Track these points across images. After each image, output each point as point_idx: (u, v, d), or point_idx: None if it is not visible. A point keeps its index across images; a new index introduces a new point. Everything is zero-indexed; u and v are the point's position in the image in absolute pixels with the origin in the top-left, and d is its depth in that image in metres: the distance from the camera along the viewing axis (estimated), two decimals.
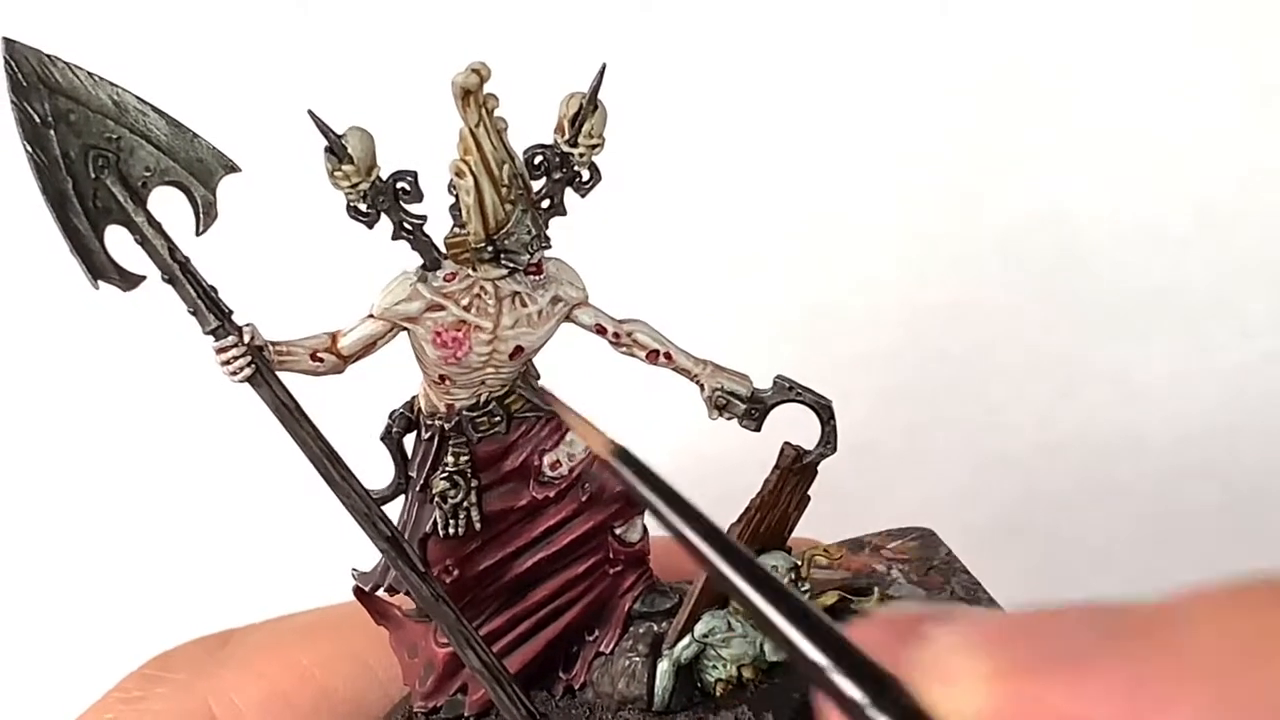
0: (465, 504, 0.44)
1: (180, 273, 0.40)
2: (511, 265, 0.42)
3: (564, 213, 0.43)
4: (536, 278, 0.42)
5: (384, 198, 0.41)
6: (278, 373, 0.41)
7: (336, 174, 0.41)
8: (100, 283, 0.39)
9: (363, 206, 0.41)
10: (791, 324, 0.71)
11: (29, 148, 0.38)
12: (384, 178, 0.42)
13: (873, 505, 0.71)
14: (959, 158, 0.70)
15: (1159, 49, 0.69)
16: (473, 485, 0.44)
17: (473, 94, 0.40)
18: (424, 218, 0.42)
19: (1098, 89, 0.70)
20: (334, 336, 0.42)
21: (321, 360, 0.42)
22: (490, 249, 0.41)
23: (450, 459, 0.44)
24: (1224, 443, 0.69)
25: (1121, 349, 0.69)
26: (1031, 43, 0.70)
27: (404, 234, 0.41)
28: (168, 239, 0.40)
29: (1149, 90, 0.70)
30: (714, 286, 0.70)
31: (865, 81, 0.70)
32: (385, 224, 0.42)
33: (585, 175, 0.43)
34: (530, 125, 0.70)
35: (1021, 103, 0.70)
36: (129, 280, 0.40)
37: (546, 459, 0.45)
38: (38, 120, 0.38)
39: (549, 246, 0.42)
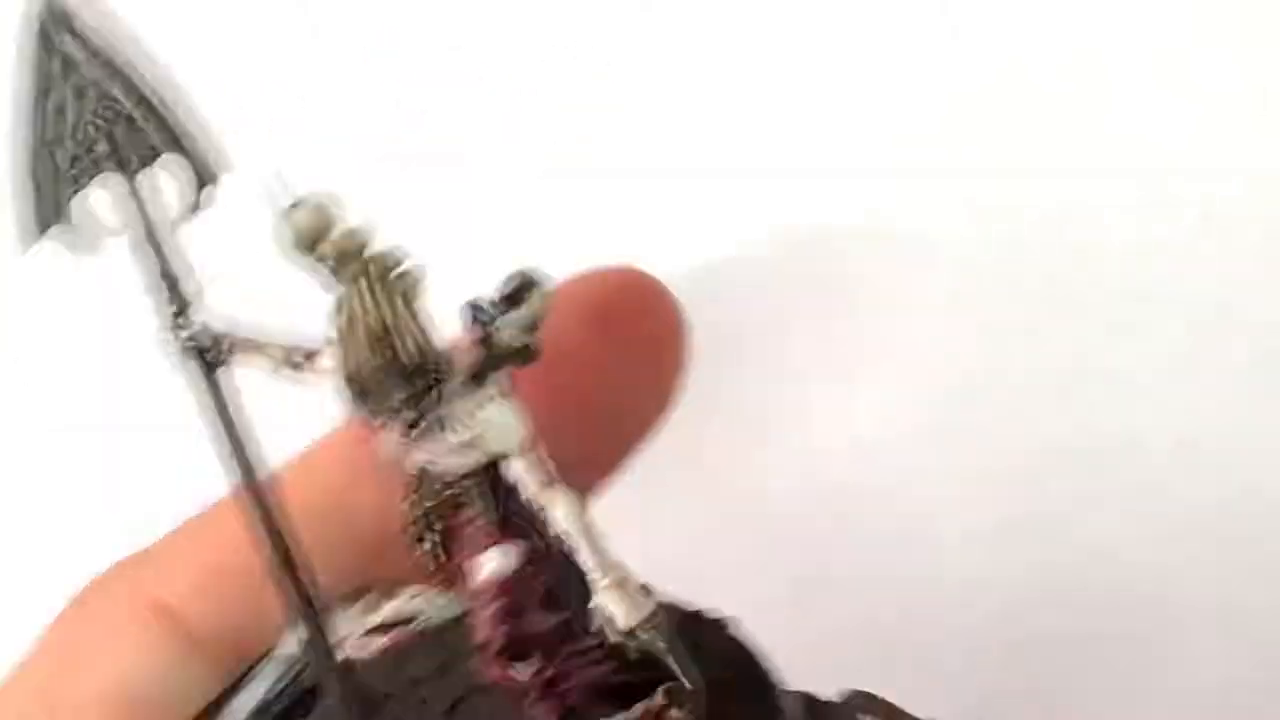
0: None
1: (149, 246, 0.39)
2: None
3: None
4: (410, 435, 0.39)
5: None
6: (240, 365, 0.41)
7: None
8: (40, 241, 0.38)
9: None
10: None
11: (32, 80, 0.36)
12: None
13: (873, 509, 0.71)
14: (959, 160, 0.70)
15: (1160, 50, 0.69)
16: None
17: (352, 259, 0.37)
18: None
19: (1098, 90, 0.70)
20: (311, 355, 0.41)
21: (295, 368, 0.41)
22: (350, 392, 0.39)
23: None
24: (1225, 444, 0.69)
25: (1122, 351, 0.69)
26: (1031, 44, 0.70)
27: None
28: (145, 213, 0.39)
29: (1150, 91, 0.70)
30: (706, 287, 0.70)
31: (864, 82, 0.70)
32: None
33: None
34: (528, 127, 0.71)
35: (1021, 104, 0.70)
36: (83, 238, 0.39)
37: None
38: (59, 61, 0.37)
39: (422, 421, 0.38)
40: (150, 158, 0.38)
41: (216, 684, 0.50)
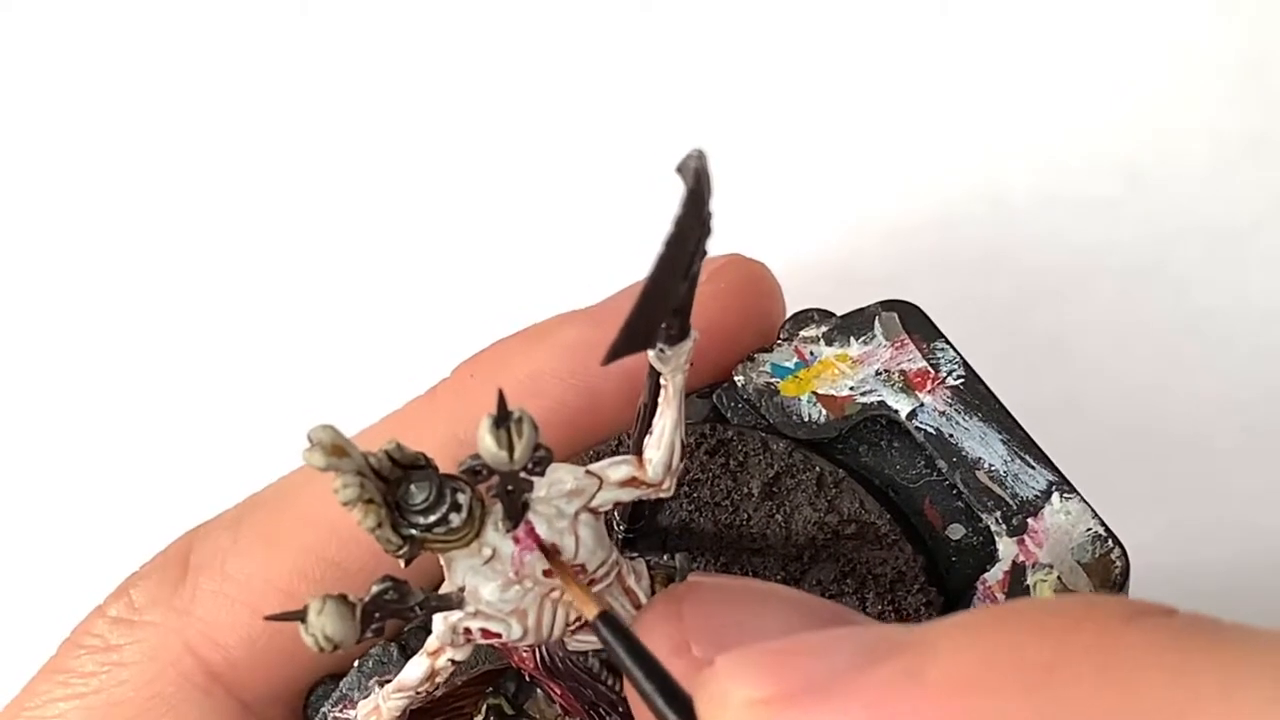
0: None
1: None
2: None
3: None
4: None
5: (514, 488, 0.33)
6: None
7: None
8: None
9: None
10: None
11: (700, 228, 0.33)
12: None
13: None
14: (890, 127, 0.72)
15: (1084, 8, 0.71)
16: None
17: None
18: (531, 485, 0.34)
19: (1022, 49, 0.71)
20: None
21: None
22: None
23: None
24: (1159, 402, 0.70)
25: (1055, 312, 0.70)
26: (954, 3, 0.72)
27: (504, 493, 0.33)
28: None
29: (1075, 50, 0.71)
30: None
31: (820, 65, 0.72)
32: None
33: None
34: (524, 123, 0.71)
35: (949, 64, 0.72)
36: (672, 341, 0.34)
37: None
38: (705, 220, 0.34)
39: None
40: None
41: None
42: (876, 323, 0.49)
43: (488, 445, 0.31)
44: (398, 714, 0.38)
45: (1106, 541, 0.46)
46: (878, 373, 0.48)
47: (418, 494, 0.32)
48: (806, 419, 0.48)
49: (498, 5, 0.71)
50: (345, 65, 0.72)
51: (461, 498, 0.33)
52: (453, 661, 0.36)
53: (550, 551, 0.34)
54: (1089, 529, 0.46)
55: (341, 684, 0.47)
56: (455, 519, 0.33)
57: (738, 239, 0.63)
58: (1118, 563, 0.45)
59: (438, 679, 0.37)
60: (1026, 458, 0.47)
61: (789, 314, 0.51)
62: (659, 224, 0.63)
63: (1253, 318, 0.69)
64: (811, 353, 0.49)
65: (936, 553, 0.46)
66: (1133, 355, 0.70)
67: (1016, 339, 0.71)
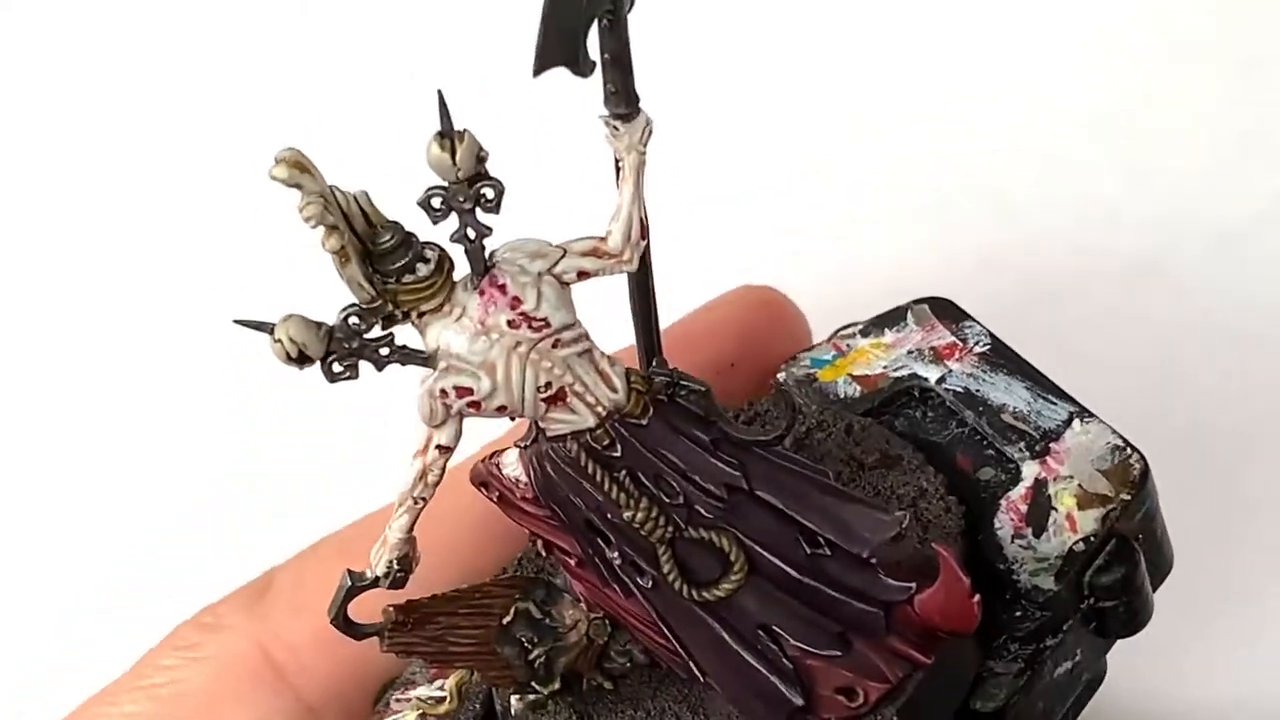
0: None
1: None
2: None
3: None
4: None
5: (465, 199, 0.36)
6: None
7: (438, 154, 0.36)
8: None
9: (435, 202, 0.36)
10: None
11: None
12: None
13: None
14: (890, 127, 0.73)
15: (1084, 8, 0.72)
16: None
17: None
18: (490, 230, 0.37)
19: (1023, 50, 0.73)
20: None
21: None
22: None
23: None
24: (1157, 400, 0.70)
25: (1054, 311, 0.70)
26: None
27: (465, 239, 0.37)
28: None
29: (1073, 52, 0.73)
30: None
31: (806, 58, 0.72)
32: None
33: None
34: (525, 122, 0.71)
35: (949, 65, 0.73)
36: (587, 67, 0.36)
37: None
38: None
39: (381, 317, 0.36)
40: None
41: None
42: (909, 314, 0.52)
43: (433, 152, 0.35)
44: (404, 534, 0.40)
45: (1125, 450, 0.47)
46: (909, 352, 0.50)
47: (384, 234, 0.36)
48: (842, 397, 0.50)
49: (497, 5, 0.71)
50: (345, 65, 0.72)
51: (429, 253, 0.36)
52: (439, 449, 0.38)
53: (514, 302, 0.37)
54: (1108, 442, 0.47)
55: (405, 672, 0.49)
56: (423, 269, 0.36)
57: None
58: (1136, 465, 0.46)
59: (429, 477, 0.39)
60: (1049, 397, 0.48)
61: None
62: (658, 223, 0.63)
63: (1252, 317, 0.68)
64: (848, 344, 0.52)
65: (968, 492, 0.47)
66: (1132, 354, 0.70)
67: (1016, 337, 0.71)
